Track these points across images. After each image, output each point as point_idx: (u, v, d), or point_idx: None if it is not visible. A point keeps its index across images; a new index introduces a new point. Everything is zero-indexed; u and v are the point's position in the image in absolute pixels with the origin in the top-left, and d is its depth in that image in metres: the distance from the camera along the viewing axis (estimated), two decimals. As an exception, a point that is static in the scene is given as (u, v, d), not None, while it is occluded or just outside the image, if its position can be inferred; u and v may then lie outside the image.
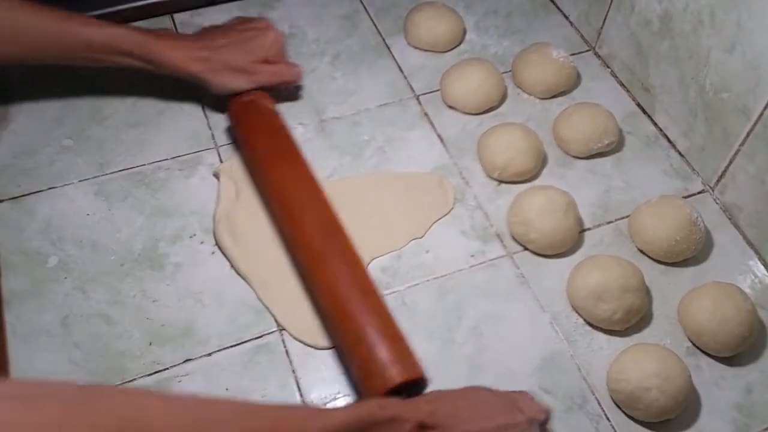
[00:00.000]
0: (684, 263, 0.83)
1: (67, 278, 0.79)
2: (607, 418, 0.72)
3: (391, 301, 0.77)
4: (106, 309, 0.77)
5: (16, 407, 0.47)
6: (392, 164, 0.91)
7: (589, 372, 0.75)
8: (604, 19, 1.02)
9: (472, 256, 0.83)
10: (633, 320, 0.77)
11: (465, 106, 0.96)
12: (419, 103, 0.98)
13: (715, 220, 0.87)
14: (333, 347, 0.75)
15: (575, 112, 0.92)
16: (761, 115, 0.79)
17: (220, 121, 0.94)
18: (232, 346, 0.75)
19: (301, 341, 0.76)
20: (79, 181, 0.87)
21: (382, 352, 0.68)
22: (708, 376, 0.75)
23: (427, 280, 0.81)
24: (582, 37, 1.07)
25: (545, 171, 0.91)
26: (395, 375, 0.67)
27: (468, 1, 1.10)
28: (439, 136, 0.95)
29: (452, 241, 0.84)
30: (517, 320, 0.79)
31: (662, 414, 0.70)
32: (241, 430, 0.54)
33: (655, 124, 0.97)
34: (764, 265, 0.84)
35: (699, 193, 0.91)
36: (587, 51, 1.06)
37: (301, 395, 0.72)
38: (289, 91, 0.97)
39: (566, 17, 1.10)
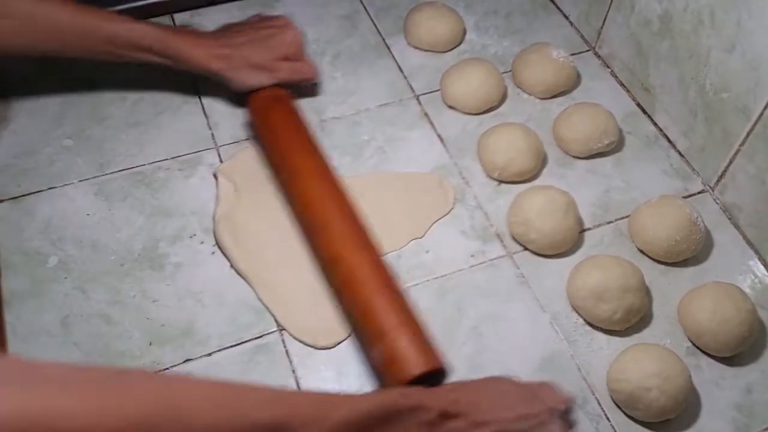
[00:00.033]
0: (684, 263, 0.83)
1: (67, 278, 0.79)
2: (607, 418, 0.72)
3: (391, 301, 0.77)
4: (106, 309, 0.77)
5: (54, 391, 0.48)
6: (392, 164, 0.91)
7: (589, 372, 0.75)
8: (604, 19, 1.02)
9: (472, 256, 0.83)
10: (633, 320, 0.77)
11: (465, 106, 0.96)
12: (419, 103, 0.98)
13: (715, 220, 0.87)
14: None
15: (575, 112, 0.92)
16: (761, 115, 0.79)
17: (220, 120, 0.94)
18: (232, 346, 0.75)
19: (301, 341, 0.76)
20: (79, 181, 0.87)
21: (404, 343, 0.69)
22: (708, 376, 0.75)
23: (427, 280, 0.81)
24: (582, 37, 1.07)
25: (545, 171, 0.91)
26: (417, 365, 0.68)
27: (468, 1, 1.10)
28: (439, 136, 0.95)
29: (452, 241, 0.84)
30: (517, 320, 0.79)
31: (662, 414, 0.70)
32: (270, 415, 0.55)
33: (655, 124, 0.97)
34: (764, 265, 0.84)
35: (699, 193, 0.91)
36: (587, 51, 1.06)
37: (301, 395, 0.72)
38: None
39: (566, 17, 1.10)
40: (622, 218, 0.87)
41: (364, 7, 1.10)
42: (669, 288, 0.81)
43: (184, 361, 0.74)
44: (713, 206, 0.89)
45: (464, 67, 0.97)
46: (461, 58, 1.02)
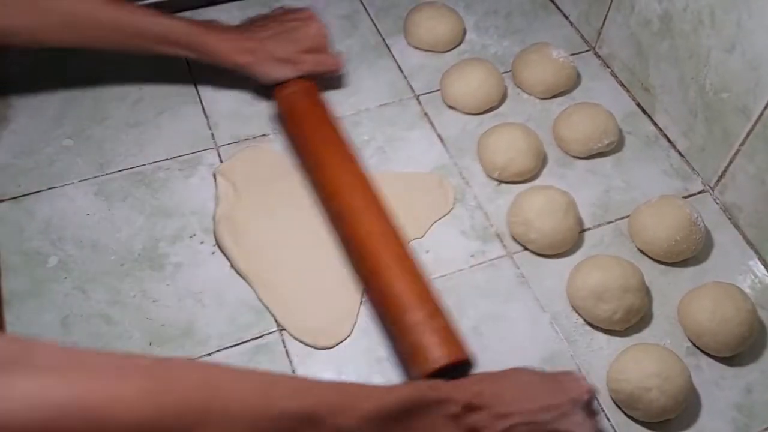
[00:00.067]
0: (684, 263, 0.83)
1: (67, 278, 0.79)
2: (607, 418, 0.72)
3: (391, 301, 0.77)
4: (106, 309, 0.77)
5: (104, 381, 0.49)
6: (392, 164, 0.91)
7: (589, 372, 0.75)
8: (604, 19, 1.02)
9: (472, 256, 0.83)
10: (633, 320, 0.77)
11: (465, 106, 0.96)
12: (419, 103, 0.98)
13: (715, 220, 0.87)
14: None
15: (575, 112, 0.92)
16: (761, 115, 0.79)
17: (220, 121, 0.94)
18: (232, 346, 0.75)
19: (301, 341, 0.76)
20: (79, 181, 0.87)
21: (430, 333, 0.70)
22: (708, 376, 0.75)
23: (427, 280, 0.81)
24: (582, 37, 1.07)
25: (545, 171, 0.91)
26: (442, 356, 0.68)
27: (468, 1, 1.10)
28: (439, 136, 0.95)
29: (452, 241, 0.85)
30: (517, 320, 0.79)
31: (662, 414, 0.70)
32: (298, 405, 0.56)
33: (655, 124, 0.97)
34: (764, 265, 0.84)
35: (699, 193, 0.91)
36: (587, 51, 1.06)
37: (301, 395, 0.72)
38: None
39: (566, 17, 1.10)
40: (622, 218, 0.87)
41: (364, 7, 1.10)
42: (669, 288, 0.81)
43: (184, 361, 0.74)
44: (713, 206, 0.89)
45: (464, 67, 0.97)
46: (461, 58, 1.02)
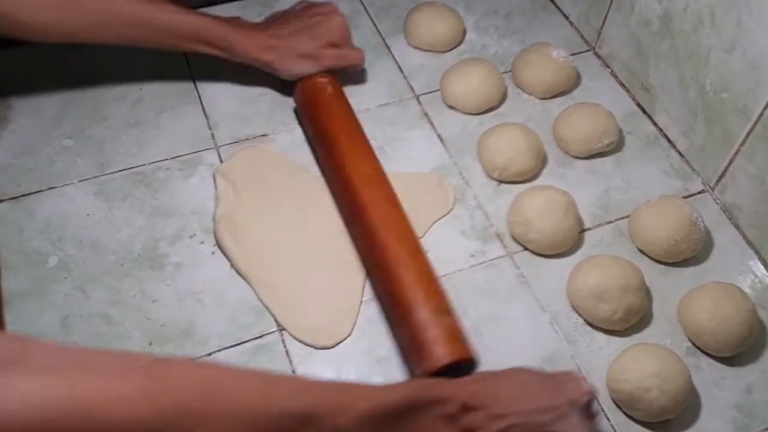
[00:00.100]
0: (684, 263, 0.83)
1: (67, 278, 0.79)
2: (607, 418, 0.72)
3: (391, 301, 0.77)
4: (106, 309, 0.77)
5: (103, 381, 0.49)
6: (392, 164, 0.91)
7: (589, 372, 0.75)
8: (604, 19, 1.02)
9: (472, 256, 0.83)
10: (633, 320, 0.77)
11: (465, 106, 0.96)
12: (419, 103, 0.98)
13: (715, 220, 0.87)
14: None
15: (575, 112, 0.92)
16: (761, 115, 0.79)
17: (220, 121, 0.94)
18: (232, 346, 0.75)
19: (301, 341, 0.76)
20: (79, 181, 0.87)
21: (436, 330, 0.70)
22: (708, 376, 0.75)
23: (427, 280, 0.81)
24: (582, 37, 1.07)
25: (545, 171, 0.91)
26: (446, 354, 0.69)
27: (468, 1, 1.10)
28: (439, 136, 0.95)
29: (452, 241, 0.85)
30: (517, 320, 0.79)
31: (662, 414, 0.70)
32: (297, 405, 0.56)
33: (655, 124, 0.97)
34: (764, 265, 0.84)
35: (699, 193, 0.91)
36: (587, 51, 1.06)
37: (301, 395, 0.72)
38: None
39: (566, 17, 1.10)
40: (622, 218, 0.87)
41: (364, 7, 1.09)
42: (669, 288, 0.81)
43: (184, 361, 0.74)
44: (713, 206, 0.89)
45: (464, 67, 0.97)
46: (461, 58, 1.02)
